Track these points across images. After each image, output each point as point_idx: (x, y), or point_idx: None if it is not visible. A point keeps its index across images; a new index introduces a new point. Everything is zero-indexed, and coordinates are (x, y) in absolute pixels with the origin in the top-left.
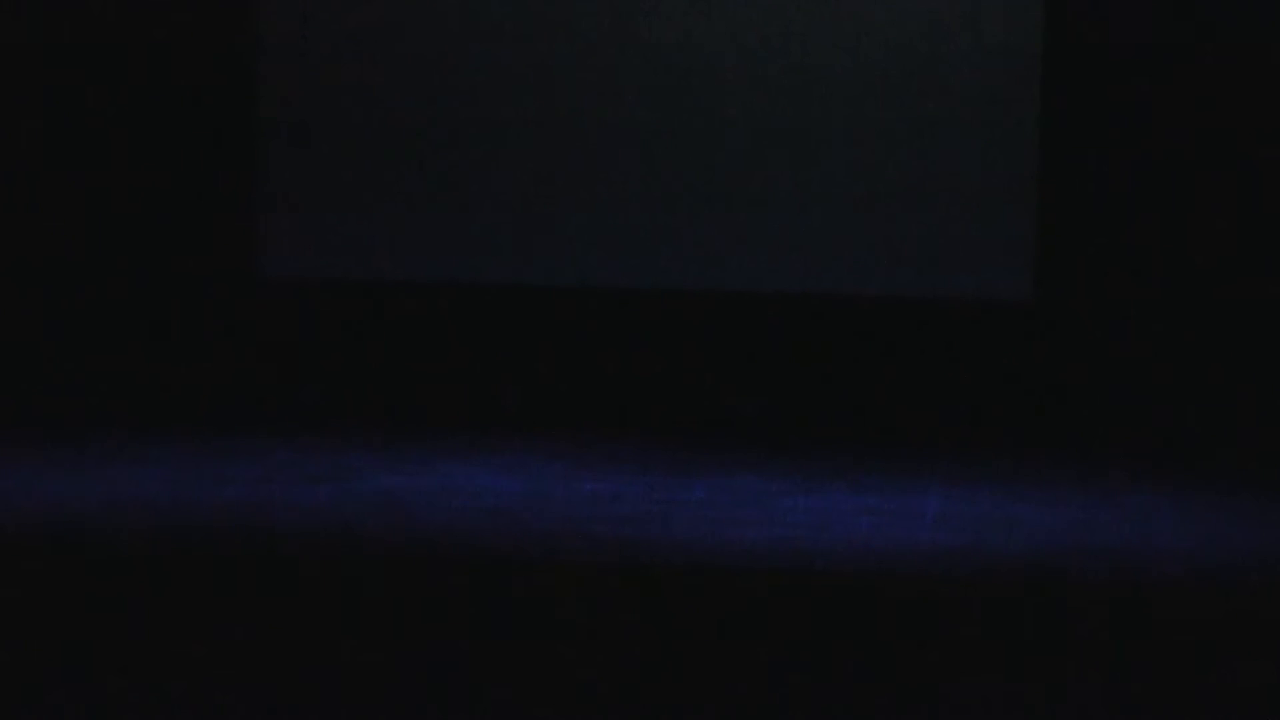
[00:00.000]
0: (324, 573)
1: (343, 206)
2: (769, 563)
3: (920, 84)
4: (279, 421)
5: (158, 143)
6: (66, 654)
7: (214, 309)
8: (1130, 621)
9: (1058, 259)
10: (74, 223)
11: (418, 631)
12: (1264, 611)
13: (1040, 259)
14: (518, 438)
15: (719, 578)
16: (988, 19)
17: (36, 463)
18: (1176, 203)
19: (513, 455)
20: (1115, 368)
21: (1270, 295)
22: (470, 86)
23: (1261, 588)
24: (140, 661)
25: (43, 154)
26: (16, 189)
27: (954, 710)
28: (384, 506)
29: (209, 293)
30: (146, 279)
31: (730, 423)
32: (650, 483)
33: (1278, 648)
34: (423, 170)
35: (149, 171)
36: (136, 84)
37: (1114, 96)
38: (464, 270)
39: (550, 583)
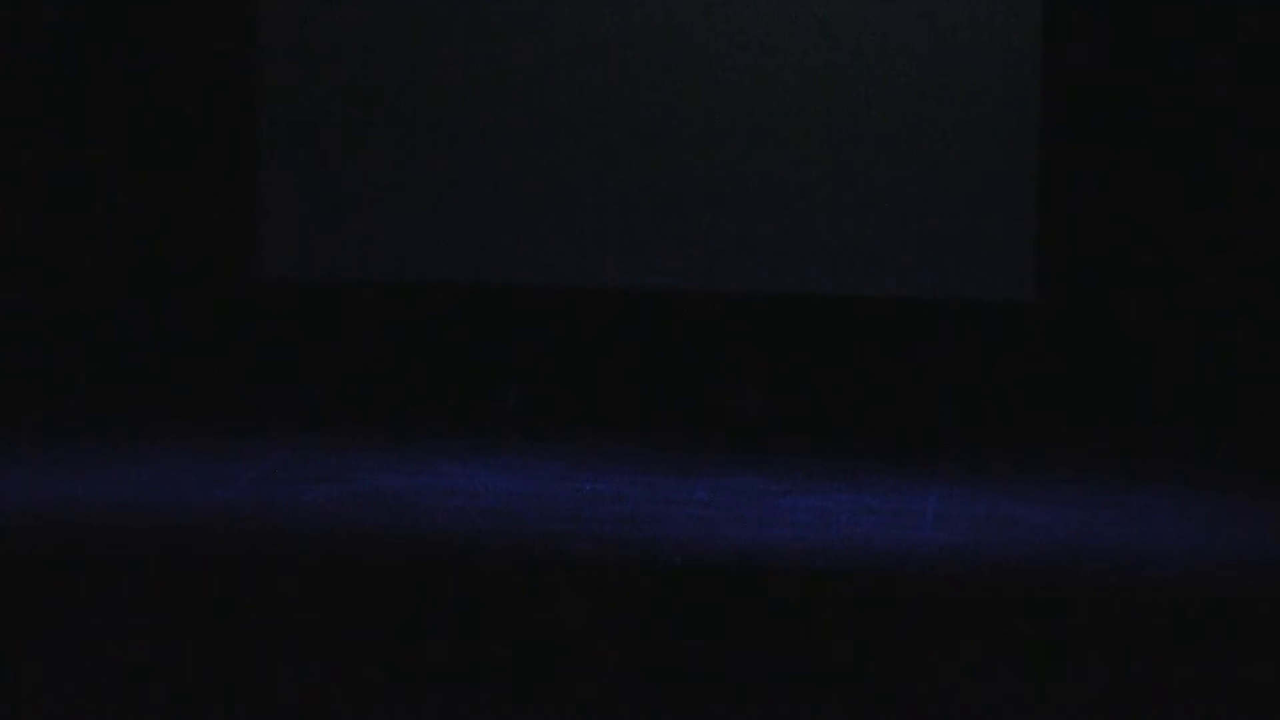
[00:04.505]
0: (324, 573)
1: (342, 206)
2: (769, 563)
3: (920, 84)
4: (279, 421)
5: (157, 142)
6: (67, 654)
7: (214, 309)
8: (1130, 621)
9: (1058, 259)
10: (73, 222)
11: (417, 632)
12: (1264, 611)
13: (1040, 259)
14: (518, 438)
15: (719, 578)
16: (988, 19)
17: (36, 463)
18: (1177, 203)
19: (513, 455)
20: (1115, 368)
21: (1270, 295)
22: (470, 86)
23: (1261, 588)
24: (140, 661)
25: (42, 154)
26: (15, 189)
27: (954, 710)
28: (384, 506)
29: (209, 293)
30: (146, 279)
31: (730, 423)
32: (650, 483)
33: (1278, 648)
34: (423, 170)
35: (149, 171)
36: (136, 83)
37: (1114, 97)
38: (464, 270)
39: (550, 583)
